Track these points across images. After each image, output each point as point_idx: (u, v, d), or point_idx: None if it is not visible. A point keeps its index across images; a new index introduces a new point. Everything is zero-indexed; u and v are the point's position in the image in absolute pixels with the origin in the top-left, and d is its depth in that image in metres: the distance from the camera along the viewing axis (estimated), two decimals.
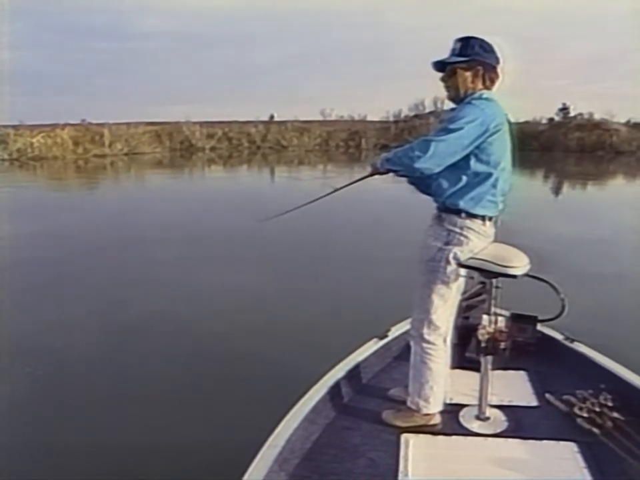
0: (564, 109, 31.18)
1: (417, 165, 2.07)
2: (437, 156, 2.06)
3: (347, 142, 31.21)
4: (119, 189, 15.98)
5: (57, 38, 73.56)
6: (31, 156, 23.65)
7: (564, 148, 26.85)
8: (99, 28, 72.41)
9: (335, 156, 27.50)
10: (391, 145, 29.25)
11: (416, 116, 34.95)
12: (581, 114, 30.42)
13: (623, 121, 29.37)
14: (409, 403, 2.43)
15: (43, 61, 63.80)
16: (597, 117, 29.53)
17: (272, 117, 35.91)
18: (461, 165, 2.15)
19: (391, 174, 2.26)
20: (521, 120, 26.57)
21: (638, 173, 20.29)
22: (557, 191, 15.75)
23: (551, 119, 30.83)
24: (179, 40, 77.90)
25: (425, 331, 2.34)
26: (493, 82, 2.24)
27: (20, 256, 6.96)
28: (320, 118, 35.99)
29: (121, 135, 26.71)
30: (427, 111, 35.35)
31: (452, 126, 2.08)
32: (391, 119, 35.12)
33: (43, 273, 6.24)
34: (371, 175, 2.35)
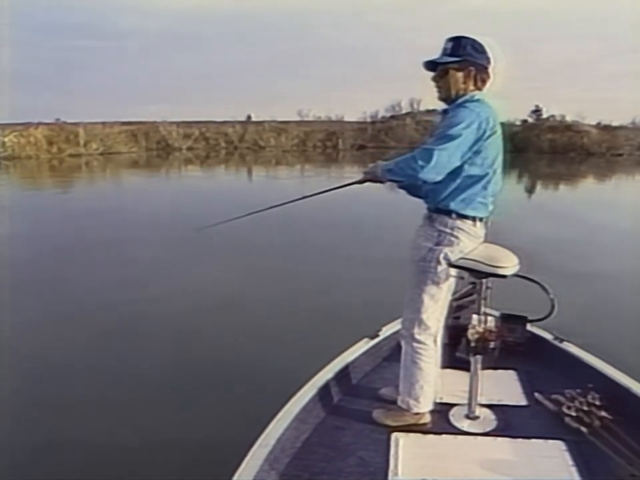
0: (536, 111, 31.77)
1: (421, 175, 2.07)
2: (440, 165, 2.07)
3: (324, 142, 31.31)
4: (93, 188, 15.72)
5: (32, 36, 72.21)
6: (3, 155, 23.16)
7: (537, 149, 27.37)
8: (74, 26, 71.70)
9: (312, 156, 27.53)
10: (368, 145, 29.53)
11: (392, 117, 35.28)
12: (553, 116, 31.09)
13: (594, 123, 30.09)
14: (399, 402, 2.44)
15: (16, 59, 62.38)
16: (568, 119, 30.29)
17: (249, 117, 35.93)
18: (455, 169, 2.15)
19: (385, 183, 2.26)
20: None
21: (608, 174, 20.70)
22: (530, 191, 16.00)
23: (525, 121, 31.34)
24: (156, 39, 77.42)
25: (416, 330, 2.34)
26: (484, 82, 2.25)
27: None
28: (297, 118, 36.25)
29: (96, 134, 26.35)
30: (404, 112, 35.77)
31: (451, 132, 2.07)
32: (368, 119, 35.46)
33: (18, 274, 6.09)
34: (364, 181, 2.33)
